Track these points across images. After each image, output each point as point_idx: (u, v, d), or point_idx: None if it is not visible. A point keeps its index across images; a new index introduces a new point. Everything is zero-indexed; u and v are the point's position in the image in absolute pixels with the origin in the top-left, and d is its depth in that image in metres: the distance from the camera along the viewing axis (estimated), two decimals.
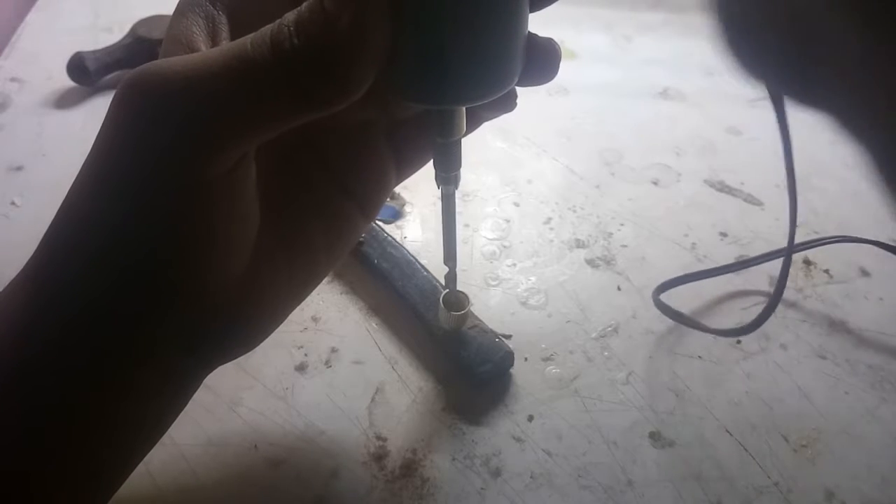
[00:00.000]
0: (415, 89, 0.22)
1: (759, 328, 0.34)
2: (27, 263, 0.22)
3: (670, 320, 0.39)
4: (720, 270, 0.41)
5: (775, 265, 0.42)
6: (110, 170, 0.20)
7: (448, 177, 0.27)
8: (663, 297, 0.38)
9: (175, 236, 0.20)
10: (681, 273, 0.41)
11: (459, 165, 0.27)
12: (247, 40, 0.19)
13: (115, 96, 0.20)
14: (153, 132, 0.19)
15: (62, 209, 0.21)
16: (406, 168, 0.28)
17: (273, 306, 0.24)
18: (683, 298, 0.40)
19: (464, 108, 0.25)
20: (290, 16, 0.19)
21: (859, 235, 0.43)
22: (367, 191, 0.27)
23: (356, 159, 0.26)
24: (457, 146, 0.26)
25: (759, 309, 0.39)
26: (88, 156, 0.21)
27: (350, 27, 0.19)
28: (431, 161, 0.27)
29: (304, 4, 0.19)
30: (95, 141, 0.20)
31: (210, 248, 0.21)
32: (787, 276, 0.34)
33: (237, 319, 0.23)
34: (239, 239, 0.22)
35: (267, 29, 0.19)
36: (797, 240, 0.42)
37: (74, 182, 0.21)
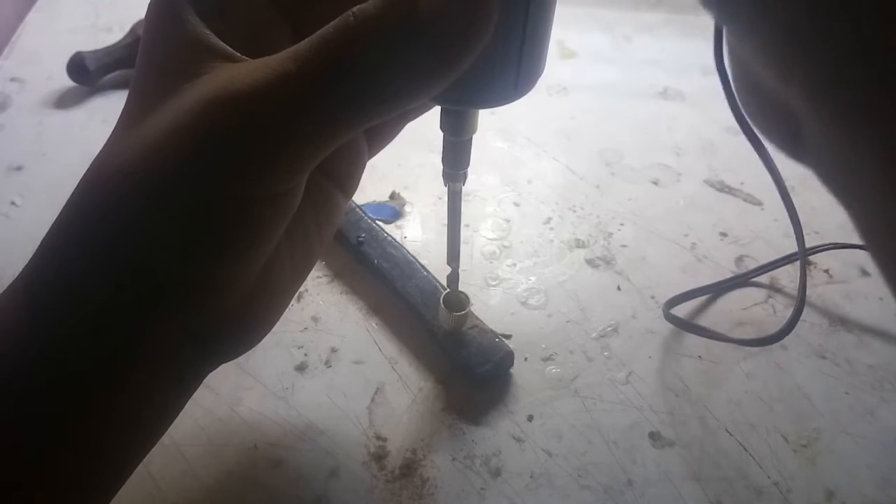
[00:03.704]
0: (454, 94, 0.22)
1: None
2: (28, 263, 0.22)
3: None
4: (730, 283, 0.41)
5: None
6: (160, 173, 0.20)
7: (457, 174, 0.28)
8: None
9: (219, 244, 0.20)
10: (680, 273, 0.41)
11: (468, 163, 0.27)
12: (317, 47, 0.19)
13: (196, 108, 0.19)
14: (228, 147, 0.19)
15: (75, 199, 0.21)
16: (377, 144, 0.29)
17: (279, 297, 0.25)
18: (685, 302, 0.40)
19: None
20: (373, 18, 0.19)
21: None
22: (345, 170, 0.27)
23: None
24: (468, 144, 0.26)
25: (761, 309, 0.40)
26: (126, 155, 0.20)
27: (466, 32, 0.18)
28: (441, 158, 0.27)
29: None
30: (143, 143, 0.20)
31: (247, 256, 0.21)
32: (805, 283, 0.34)
33: (248, 314, 0.23)
34: (273, 245, 0.22)
35: (332, 33, 0.19)
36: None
37: (92, 177, 0.21)
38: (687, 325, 0.37)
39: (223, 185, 0.19)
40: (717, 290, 0.40)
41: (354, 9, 0.18)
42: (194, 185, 0.19)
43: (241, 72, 0.19)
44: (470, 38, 0.19)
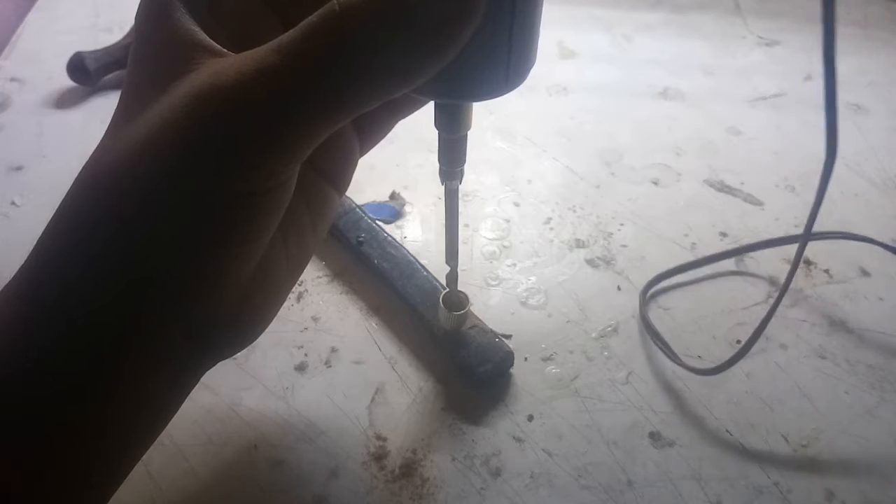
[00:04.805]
0: (443, 86, 0.22)
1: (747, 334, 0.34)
2: (25, 262, 0.22)
3: (670, 320, 0.39)
4: (707, 260, 0.41)
5: (774, 264, 0.42)
6: (150, 172, 0.20)
7: (453, 172, 0.28)
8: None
9: (212, 240, 0.20)
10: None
11: (464, 161, 0.27)
12: (302, 36, 0.19)
13: (182, 105, 0.19)
14: (215, 143, 0.19)
15: (69, 199, 0.21)
16: (368, 142, 0.29)
17: (276, 293, 0.25)
18: (679, 294, 0.40)
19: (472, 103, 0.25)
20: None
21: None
22: (338, 168, 0.27)
23: (325, 140, 0.27)
24: (463, 141, 0.26)
25: (760, 309, 0.40)
26: (120, 154, 0.20)
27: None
28: (437, 156, 0.27)
29: None
30: (136, 141, 0.20)
31: (244, 251, 0.21)
32: (792, 275, 0.33)
33: (245, 311, 0.23)
34: (267, 240, 0.22)
35: (320, 21, 0.18)
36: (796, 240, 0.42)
37: (85, 177, 0.21)
38: (653, 333, 0.37)
39: (213, 182, 0.19)
40: (696, 266, 0.41)
41: None
42: (184, 183, 0.19)
43: (226, 66, 0.19)
44: (458, 24, 0.19)
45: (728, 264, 0.42)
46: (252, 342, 0.25)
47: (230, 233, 0.20)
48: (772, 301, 0.40)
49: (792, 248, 0.42)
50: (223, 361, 0.25)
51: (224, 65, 0.19)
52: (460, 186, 0.29)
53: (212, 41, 0.21)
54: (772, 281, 0.41)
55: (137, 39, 0.22)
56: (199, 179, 0.19)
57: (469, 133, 0.26)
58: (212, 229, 0.20)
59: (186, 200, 0.20)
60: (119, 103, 0.22)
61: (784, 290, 0.32)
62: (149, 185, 0.20)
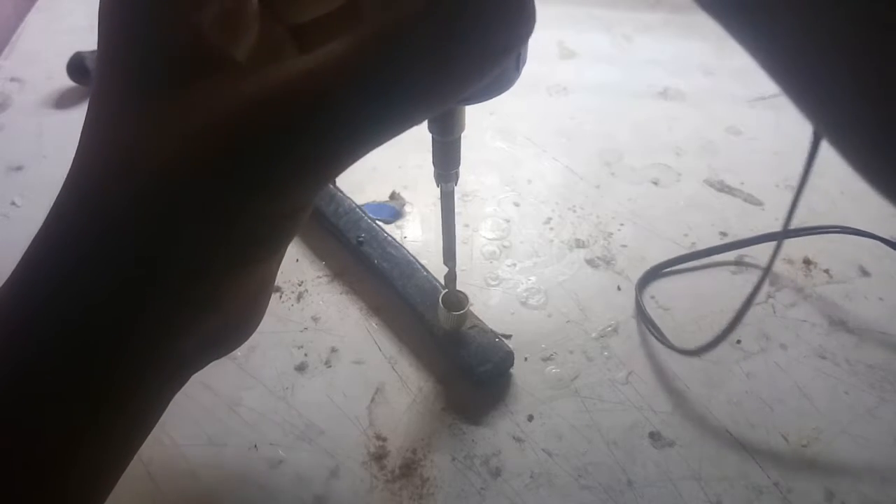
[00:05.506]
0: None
1: (739, 332, 0.34)
2: (23, 257, 0.22)
3: (671, 320, 0.39)
4: (705, 252, 0.41)
5: (773, 264, 0.42)
6: (180, 187, 0.19)
7: (448, 174, 0.28)
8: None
9: (236, 259, 0.20)
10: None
11: (459, 163, 0.27)
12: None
13: (207, 120, 0.19)
14: (253, 165, 0.18)
15: (70, 202, 0.21)
16: None
17: (267, 287, 0.25)
18: (678, 294, 0.40)
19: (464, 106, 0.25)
20: None
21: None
22: None
23: None
24: (457, 144, 0.27)
25: (761, 308, 0.40)
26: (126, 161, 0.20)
27: None
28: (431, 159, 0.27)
29: None
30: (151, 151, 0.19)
31: (263, 267, 0.21)
32: (771, 264, 0.32)
33: (251, 313, 0.23)
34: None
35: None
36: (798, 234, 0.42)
37: (95, 182, 0.21)
38: (646, 319, 0.38)
39: (247, 203, 0.19)
40: (692, 258, 0.41)
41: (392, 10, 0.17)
42: (215, 203, 0.19)
43: (253, 81, 0.19)
44: (523, 35, 0.18)
45: (728, 265, 0.42)
46: (248, 337, 0.25)
47: (256, 252, 0.20)
48: (772, 301, 0.40)
49: (792, 247, 0.42)
50: (223, 361, 0.25)
51: (249, 80, 0.19)
52: (459, 187, 0.29)
53: (222, 48, 0.20)
54: (772, 281, 0.41)
55: (126, 42, 0.21)
56: (230, 202, 0.19)
57: (468, 133, 0.26)
58: (239, 250, 0.20)
59: (214, 220, 0.19)
60: (105, 105, 0.21)
61: (767, 270, 0.32)
62: (179, 200, 0.19)
